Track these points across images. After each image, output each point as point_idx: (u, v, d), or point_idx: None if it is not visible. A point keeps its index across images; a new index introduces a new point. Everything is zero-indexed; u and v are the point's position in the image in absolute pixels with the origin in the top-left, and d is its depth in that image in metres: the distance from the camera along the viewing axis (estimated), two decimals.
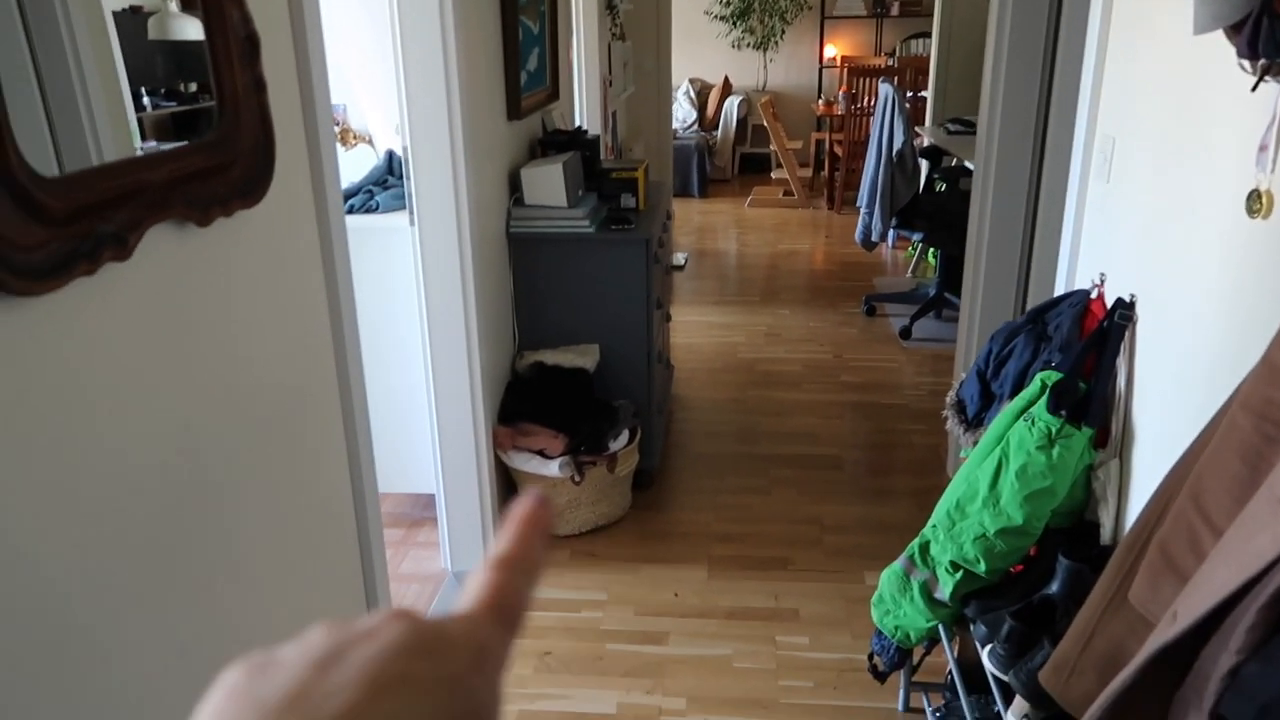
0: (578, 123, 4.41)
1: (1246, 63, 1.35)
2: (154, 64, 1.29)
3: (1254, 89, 1.32)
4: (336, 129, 3.45)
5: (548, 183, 2.87)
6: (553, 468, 2.73)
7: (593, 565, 2.77)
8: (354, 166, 3.16)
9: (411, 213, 2.44)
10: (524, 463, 2.77)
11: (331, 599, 1.72)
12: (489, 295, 2.70)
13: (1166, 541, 0.96)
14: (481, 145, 2.60)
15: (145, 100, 1.25)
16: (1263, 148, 1.38)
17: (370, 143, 3.48)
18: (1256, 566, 0.80)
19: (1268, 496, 0.82)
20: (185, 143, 1.25)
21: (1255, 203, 1.40)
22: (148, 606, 1.17)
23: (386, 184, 2.83)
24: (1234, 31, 1.34)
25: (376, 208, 2.72)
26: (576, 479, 2.78)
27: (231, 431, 1.35)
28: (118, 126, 1.17)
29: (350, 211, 2.73)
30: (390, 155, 2.96)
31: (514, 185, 2.97)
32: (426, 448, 2.74)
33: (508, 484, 2.92)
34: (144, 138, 1.23)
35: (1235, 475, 0.90)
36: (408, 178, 2.41)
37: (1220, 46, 1.50)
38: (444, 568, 2.75)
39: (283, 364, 1.51)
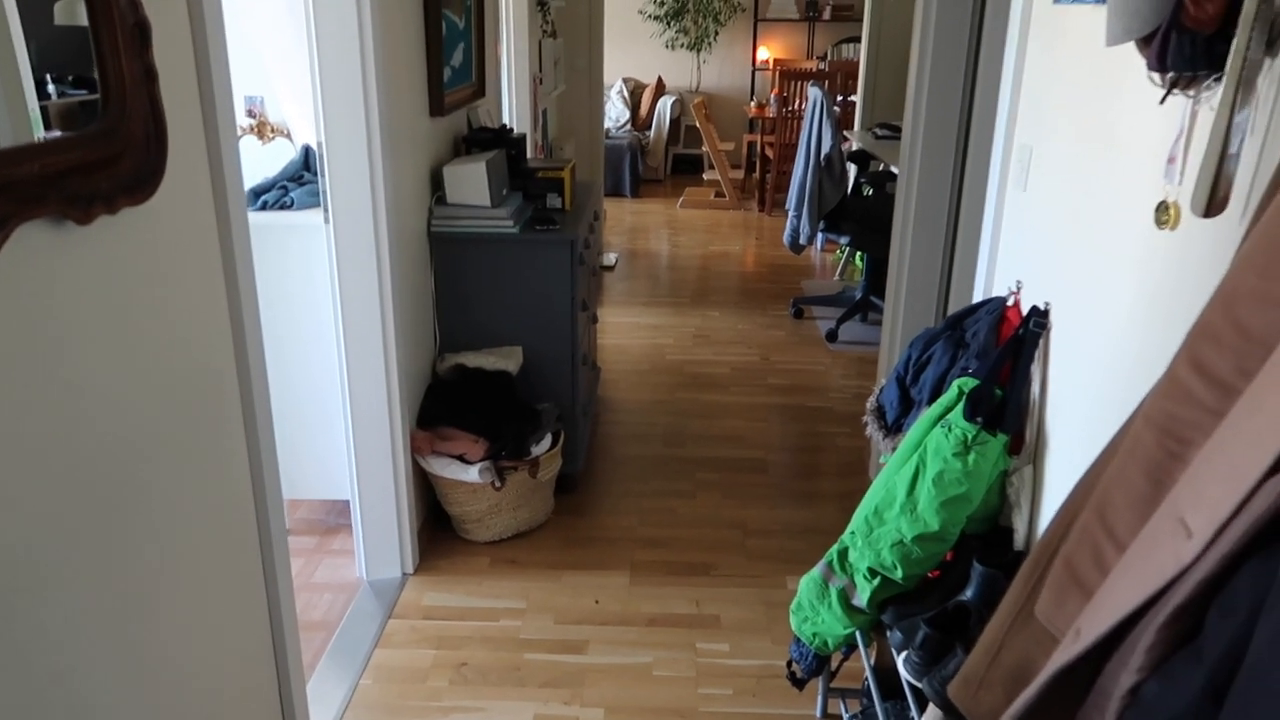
0: (506, 120, 4.35)
1: (1156, 76, 1.36)
2: (61, 50, 1.21)
3: (1162, 101, 1.33)
4: (253, 121, 3.33)
5: (471, 181, 2.81)
6: (472, 473, 2.67)
7: (513, 572, 2.72)
8: (271, 161, 3.05)
9: (326, 210, 2.36)
10: (443, 468, 2.70)
11: (233, 610, 1.64)
12: (408, 296, 2.63)
13: (1071, 556, 0.96)
14: (401, 141, 2.53)
15: (50, 88, 1.17)
16: (1171, 160, 1.40)
17: (288, 136, 3.37)
18: (1156, 584, 0.79)
19: (1169, 514, 0.82)
20: (61, 134, 1.17)
21: (1163, 214, 1.42)
22: (26, 623, 1.09)
23: (303, 180, 2.74)
24: (1144, 44, 1.35)
25: (291, 204, 2.62)
26: (497, 484, 2.72)
27: (121, 445, 1.28)
28: (16, 114, 1.09)
29: (264, 208, 2.63)
30: (307, 150, 2.86)
31: (436, 183, 2.90)
32: (342, 453, 2.66)
33: (426, 490, 2.85)
34: (48, 127, 1.16)
35: (1139, 491, 0.90)
36: (322, 174, 2.33)
37: (1132, 59, 1.52)
38: (359, 576, 2.67)
39: (177, 371, 1.43)
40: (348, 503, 2.85)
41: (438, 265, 2.88)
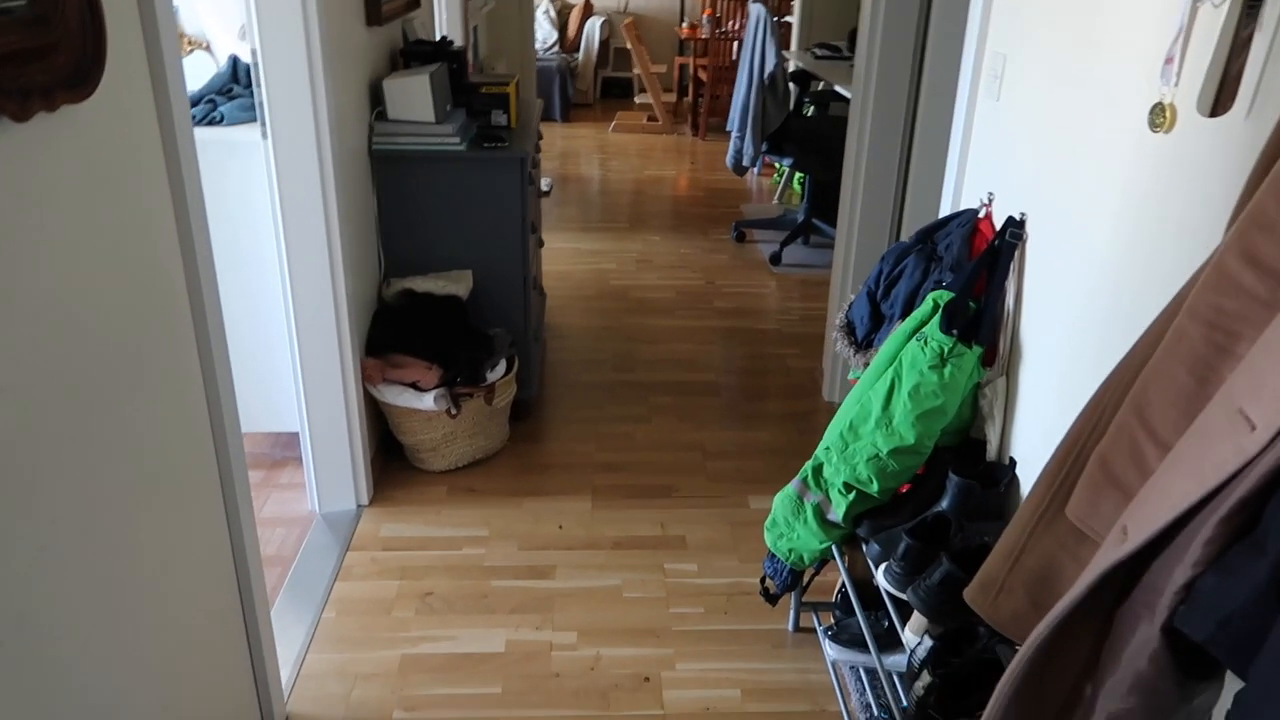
0: (439, 34, 4.14)
1: None
2: None
3: None
4: None
5: (413, 95, 2.66)
6: (427, 401, 2.59)
7: (472, 501, 2.66)
8: (190, 75, 2.84)
9: (264, 125, 2.20)
10: (396, 396, 2.61)
11: (193, 547, 1.55)
12: (352, 217, 2.50)
13: (1107, 455, 0.94)
14: (340, 51, 2.37)
15: None
16: (1169, 60, 1.37)
17: (208, 49, 3.15)
18: (1217, 479, 0.78)
19: (1225, 406, 0.80)
20: None
21: (1159, 116, 1.39)
22: None
23: (231, 93, 2.55)
24: None
25: (221, 119, 2.45)
26: (453, 412, 2.64)
27: (67, 366, 1.17)
28: None
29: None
30: (235, 61, 2.67)
31: (376, 98, 2.74)
32: (288, 383, 2.54)
33: (378, 419, 2.75)
34: None
35: (1182, 388, 0.88)
36: (258, 86, 2.17)
37: None
38: (311, 510, 2.58)
39: (126, 285, 1.31)
40: (294, 435, 2.75)
41: (380, 185, 2.74)
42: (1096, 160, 1.59)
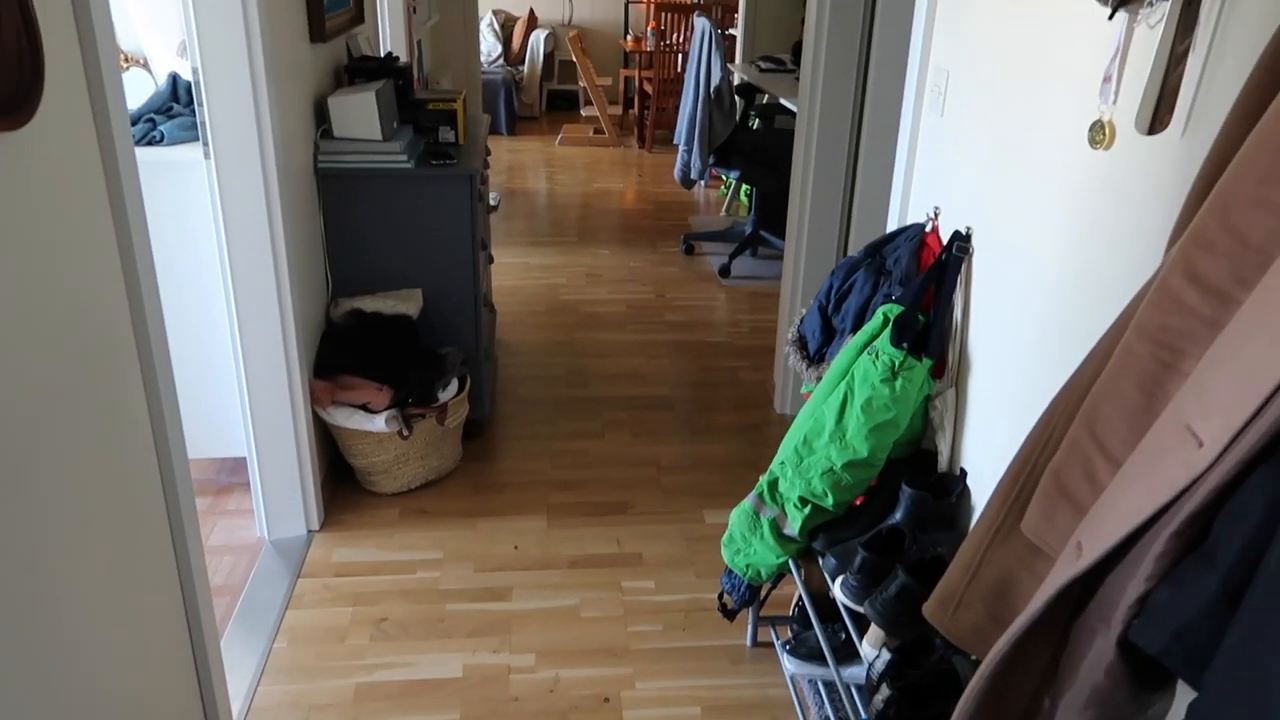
0: (384, 50, 4.10)
1: None
2: None
3: (1110, 17, 1.33)
4: None
5: (359, 113, 2.63)
6: (378, 422, 2.55)
7: (425, 523, 2.62)
8: (128, 93, 2.78)
9: (206, 144, 2.16)
10: (346, 419, 2.57)
11: (140, 579, 1.51)
12: (297, 237, 2.45)
13: (1060, 471, 0.96)
14: (283, 69, 2.33)
15: None
16: (1106, 79, 1.41)
17: (146, 66, 3.08)
18: (1168, 494, 0.79)
19: (1173, 423, 0.82)
20: None
21: (1098, 133, 1.43)
22: None
23: (171, 112, 2.50)
24: None
25: (161, 139, 2.39)
26: (405, 433, 2.61)
27: (3, 399, 1.13)
28: None
29: None
30: (174, 79, 2.61)
31: (320, 116, 2.70)
32: (233, 407, 2.48)
33: (328, 442, 2.71)
34: None
35: (1132, 404, 0.90)
36: (200, 105, 2.13)
37: None
38: (260, 536, 2.52)
39: (66, 318, 1.27)
40: (241, 460, 2.69)
41: (326, 204, 2.70)
42: (1039, 175, 1.62)
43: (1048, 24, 1.59)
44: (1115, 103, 1.40)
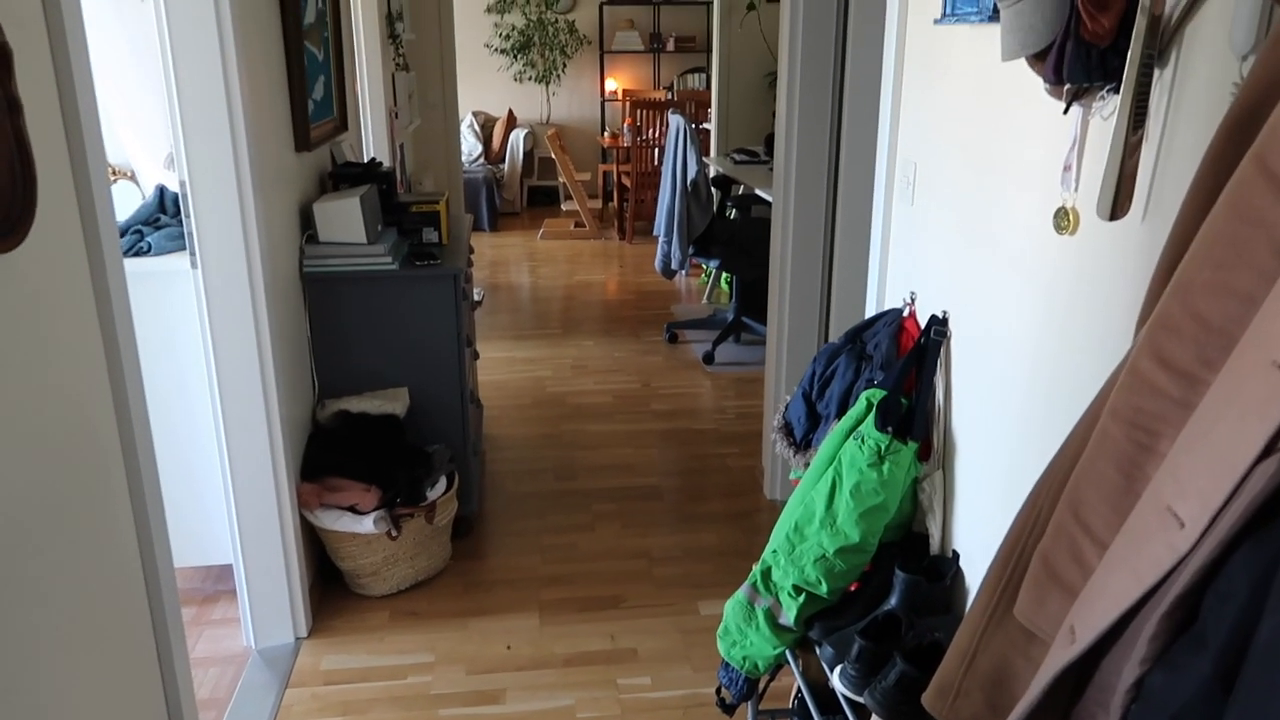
0: (367, 155, 4.20)
1: (1052, 88, 1.43)
2: None
3: (1065, 111, 1.39)
4: None
5: (344, 218, 2.68)
6: (367, 524, 2.53)
7: (416, 625, 2.58)
8: (115, 205, 2.83)
9: (193, 254, 2.19)
10: (333, 521, 2.54)
11: (124, 696, 1.47)
12: (283, 342, 2.47)
13: (1048, 555, 0.97)
14: (269, 179, 2.39)
15: None
16: (1066, 168, 1.47)
17: (133, 178, 3.14)
18: (1154, 576, 0.80)
19: (1154, 505, 0.83)
20: None
21: (1063, 219, 1.48)
22: None
23: (158, 223, 2.54)
24: (1037, 61, 1.42)
25: (148, 249, 2.43)
26: (393, 533, 2.59)
27: None
28: None
29: None
30: (162, 191, 2.66)
31: (306, 222, 2.75)
32: (219, 514, 2.46)
33: (316, 546, 2.68)
34: None
35: (1112, 484, 0.91)
36: (187, 216, 2.17)
37: (1016, 73, 1.59)
38: (247, 645, 2.47)
39: (55, 432, 1.28)
40: (226, 568, 2.65)
41: (312, 307, 2.73)
42: (1009, 260, 1.67)
43: (1007, 116, 1.65)
44: (1077, 190, 1.46)
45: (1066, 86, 1.38)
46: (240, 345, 2.27)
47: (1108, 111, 1.38)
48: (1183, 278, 0.89)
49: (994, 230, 1.72)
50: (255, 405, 2.31)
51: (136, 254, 2.42)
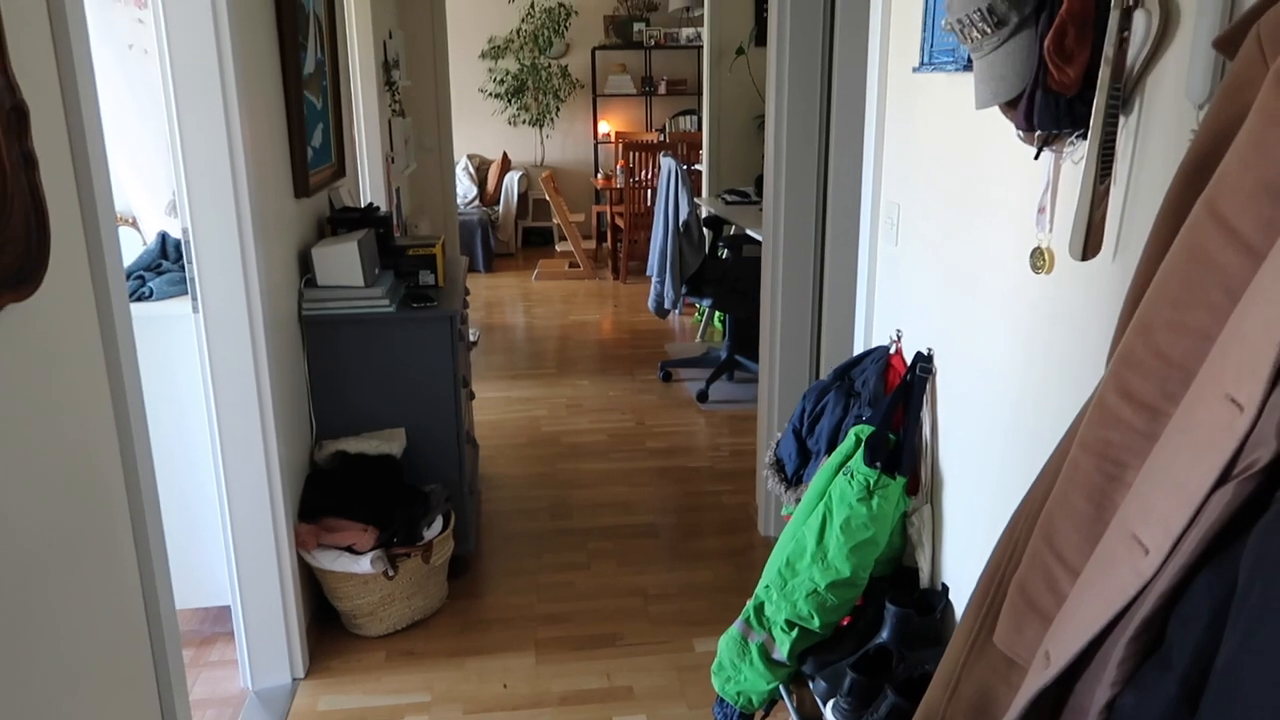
0: (364, 200, 4.27)
1: (1024, 134, 1.49)
2: None
3: (1036, 157, 1.45)
4: None
5: (342, 262, 2.74)
6: (364, 564, 2.55)
7: (412, 664, 2.59)
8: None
9: (195, 299, 2.24)
10: (331, 561, 2.57)
11: None
12: (282, 384, 2.51)
13: (1025, 583, 1.01)
14: (269, 225, 2.44)
15: None
16: (1041, 210, 1.53)
17: (135, 225, 3.19)
18: (1121, 601, 0.84)
19: (1120, 532, 0.87)
20: None
21: (1038, 259, 1.54)
22: None
23: (160, 269, 2.59)
24: (1009, 108, 1.48)
25: (150, 295, 2.48)
26: (390, 573, 2.61)
27: (3, 561, 1.15)
28: None
29: None
30: (164, 238, 2.72)
31: (305, 266, 2.81)
32: (217, 556, 2.48)
33: (313, 587, 2.69)
34: None
35: (1083, 514, 0.96)
36: (189, 261, 2.22)
37: (991, 119, 1.65)
38: (244, 687, 2.48)
39: (62, 477, 1.31)
40: (224, 609, 2.67)
41: (311, 350, 2.78)
42: (989, 299, 1.72)
43: (984, 160, 1.72)
44: (1051, 231, 1.51)
45: (1038, 133, 1.44)
46: (240, 388, 2.31)
47: (1078, 156, 1.44)
48: (1144, 316, 0.94)
49: (974, 269, 1.77)
50: (254, 447, 2.35)
51: (139, 299, 2.46)
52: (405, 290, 3.00)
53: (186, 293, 2.29)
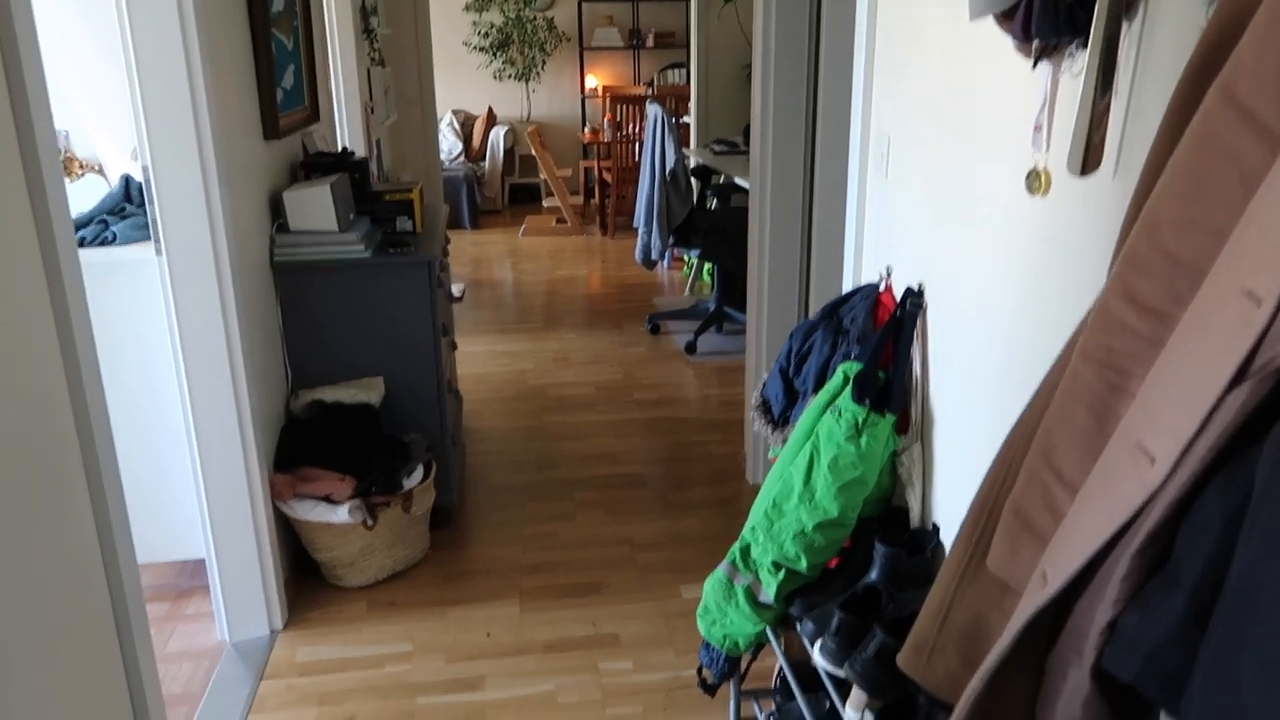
0: (341, 148, 4.16)
1: (1020, 45, 1.41)
2: None
3: (1034, 66, 1.38)
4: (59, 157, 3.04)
5: (315, 206, 2.65)
6: (341, 513, 2.50)
7: (393, 615, 2.55)
8: (82, 198, 2.78)
9: (157, 241, 2.15)
10: (308, 511, 2.51)
11: (88, 692, 1.44)
12: (254, 331, 2.44)
13: (1020, 503, 0.95)
14: (236, 166, 2.35)
15: None
16: (1037, 128, 1.45)
17: (101, 171, 3.10)
18: (1125, 514, 0.78)
19: (1125, 443, 0.81)
20: None
21: (1035, 181, 1.46)
22: None
23: (124, 213, 2.50)
24: (1005, 19, 1.40)
25: (113, 239, 2.39)
26: (369, 523, 2.55)
27: None
28: None
29: (81, 245, 2.38)
30: (127, 181, 2.62)
31: (276, 211, 2.72)
32: (191, 508, 2.42)
33: (290, 537, 2.64)
34: None
35: (1084, 428, 0.90)
36: (150, 202, 2.13)
37: (988, 36, 1.57)
38: (221, 639, 2.43)
39: (6, 429, 1.24)
40: (200, 562, 2.61)
41: (284, 297, 2.70)
42: (983, 226, 1.65)
43: (977, 81, 1.64)
44: (1048, 150, 1.44)
45: (1035, 43, 1.36)
46: (208, 334, 2.23)
47: (1077, 69, 1.36)
48: (1150, 215, 0.87)
49: (967, 198, 1.70)
50: (224, 395, 2.28)
51: (102, 243, 2.38)
52: (382, 236, 2.91)
53: (150, 236, 2.20)
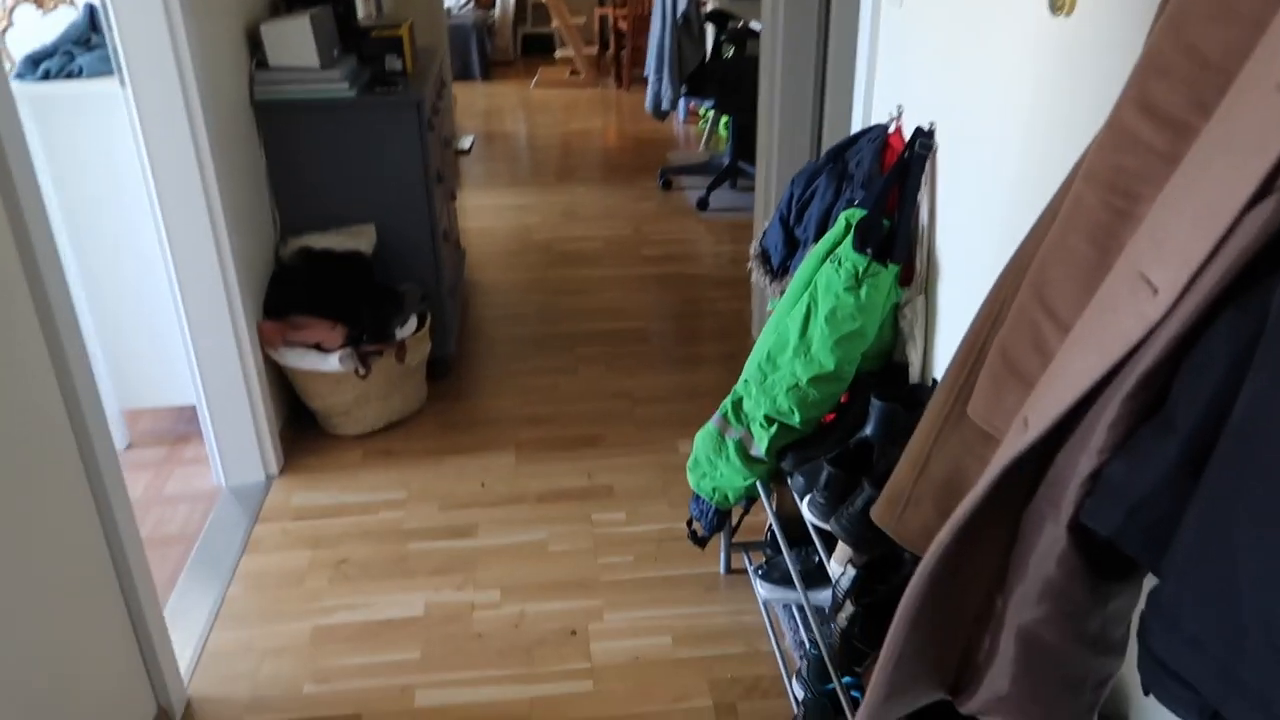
0: None
1: None
2: None
3: None
4: None
5: (295, 39, 2.49)
6: (332, 361, 2.45)
7: (389, 463, 2.54)
8: (55, 31, 2.64)
9: (120, 71, 2.03)
10: (298, 359, 2.46)
11: (61, 537, 1.42)
12: (237, 173, 2.33)
13: (1007, 344, 0.86)
14: None
15: None
16: None
17: (74, 3, 2.92)
18: (1120, 351, 0.69)
19: (1126, 273, 0.72)
20: None
21: None
22: None
23: (90, 43, 2.36)
24: None
25: (79, 71, 2.26)
26: (361, 371, 2.51)
27: None
28: None
29: (46, 77, 2.26)
30: (91, 9, 2.46)
31: (255, 46, 2.56)
32: (181, 354, 2.38)
33: (283, 385, 2.61)
34: None
35: (1083, 260, 0.80)
36: (108, 28, 1.99)
37: None
38: (217, 483, 2.44)
39: None
40: (195, 408, 2.59)
41: (268, 138, 2.58)
42: (1002, 55, 1.50)
43: None
44: None
45: None
46: (182, 175, 2.13)
47: None
48: (1176, 8, 0.74)
49: (986, 23, 1.54)
50: (204, 239, 2.19)
51: (67, 76, 2.25)
52: (369, 75, 2.76)
53: None
